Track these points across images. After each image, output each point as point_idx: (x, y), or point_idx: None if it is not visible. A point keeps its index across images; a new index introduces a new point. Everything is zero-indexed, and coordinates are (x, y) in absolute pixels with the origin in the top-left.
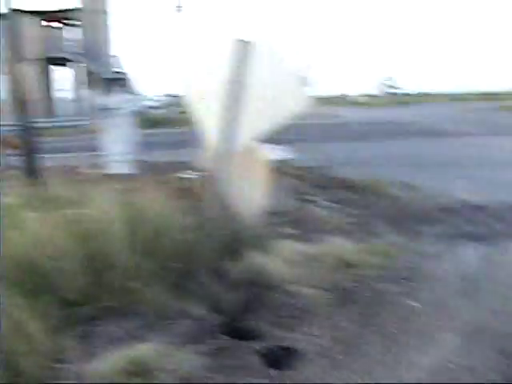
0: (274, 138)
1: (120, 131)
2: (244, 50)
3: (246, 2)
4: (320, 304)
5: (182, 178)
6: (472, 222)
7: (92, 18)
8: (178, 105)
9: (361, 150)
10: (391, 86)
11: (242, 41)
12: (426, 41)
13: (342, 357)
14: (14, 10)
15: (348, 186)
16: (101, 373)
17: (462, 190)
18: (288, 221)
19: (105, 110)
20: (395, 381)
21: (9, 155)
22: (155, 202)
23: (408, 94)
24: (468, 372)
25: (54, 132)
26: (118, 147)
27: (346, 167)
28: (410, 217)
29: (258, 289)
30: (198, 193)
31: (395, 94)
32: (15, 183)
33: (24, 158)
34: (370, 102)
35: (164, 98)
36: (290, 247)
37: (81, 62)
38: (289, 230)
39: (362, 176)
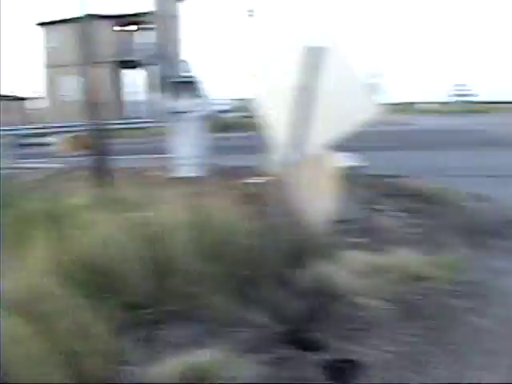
0: (343, 145)
1: (189, 135)
2: (315, 56)
3: (317, 8)
4: (385, 317)
5: (248, 183)
6: None
7: (164, 21)
8: (247, 109)
9: (429, 158)
10: (463, 94)
11: (312, 47)
12: (503, 45)
13: (406, 372)
14: (88, 15)
15: (416, 195)
16: (161, 377)
17: None
18: (355, 230)
19: (174, 113)
20: None
21: (80, 155)
22: (221, 207)
23: (481, 102)
24: None
25: (124, 134)
26: (186, 150)
27: (413, 176)
28: (480, 229)
29: (323, 299)
30: (264, 198)
31: (467, 101)
32: (84, 183)
33: (94, 158)
34: (441, 109)
35: (233, 102)
36: (357, 257)
37: (152, 66)
38: (355, 240)
39: (431, 185)
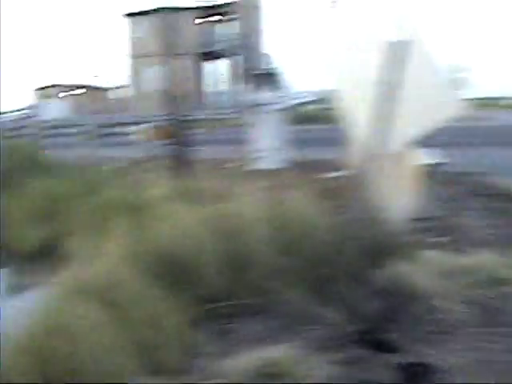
0: (426, 141)
1: (269, 127)
2: (397, 50)
3: (399, 1)
4: (464, 321)
5: (328, 177)
6: None
7: (246, 12)
8: (328, 102)
9: None
10: None
11: (395, 41)
12: None
13: (483, 380)
14: (172, 7)
15: (500, 194)
16: (234, 371)
17: None
18: (434, 228)
19: (255, 105)
20: None
21: (161, 145)
22: (300, 201)
23: None
24: None
25: (204, 124)
26: (266, 143)
27: (496, 174)
28: None
29: (400, 299)
30: (343, 194)
31: None
32: (164, 174)
33: (174, 148)
34: None
35: (313, 94)
36: (436, 257)
37: (233, 57)
38: (435, 239)
39: None
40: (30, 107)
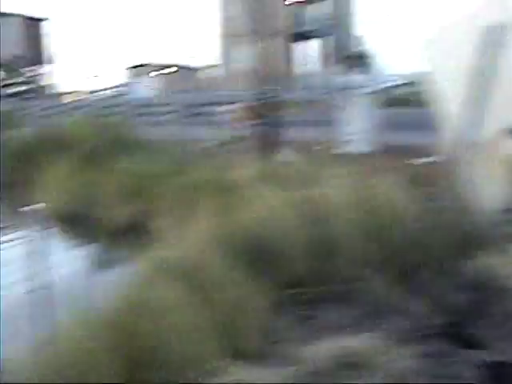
0: None
1: (359, 110)
2: (494, 34)
3: None
4: None
5: (418, 163)
6: None
7: None
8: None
9: None
10: None
11: (492, 25)
12: None
13: None
14: None
15: None
16: (315, 358)
17: None
18: None
19: (346, 87)
20: None
21: (249, 126)
22: (389, 187)
23: None
24: None
25: (294, 106)
26: (356, 126)
27: None
28: None
29: (489, 294)
30: (433, 181)
31: None
32: (252, 155)
33: (263, 129)
34: None
35: (405, 78)
36: None
37: (324, 38)
38: None
39: None
40: (121, 85)
